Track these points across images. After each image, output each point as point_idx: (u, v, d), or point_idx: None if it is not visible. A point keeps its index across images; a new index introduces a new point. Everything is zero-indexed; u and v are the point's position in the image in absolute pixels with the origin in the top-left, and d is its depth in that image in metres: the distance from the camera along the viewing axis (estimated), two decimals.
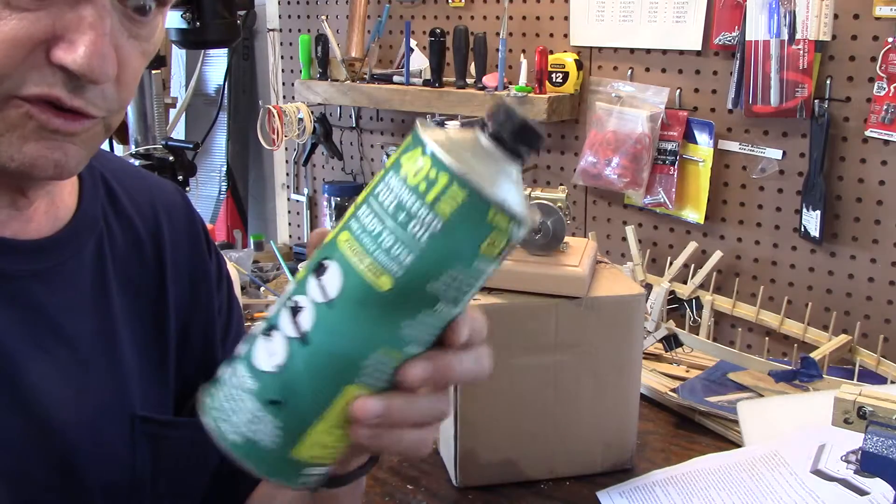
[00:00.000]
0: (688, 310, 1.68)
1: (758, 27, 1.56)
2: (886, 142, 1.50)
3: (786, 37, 1.54)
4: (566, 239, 1.13)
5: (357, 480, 0.63)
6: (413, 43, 2.05)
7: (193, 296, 0.74)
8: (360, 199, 0.48)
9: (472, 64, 1.90)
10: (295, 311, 0.48)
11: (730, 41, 1.63)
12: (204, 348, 0.75)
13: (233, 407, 0.49)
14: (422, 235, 0.45)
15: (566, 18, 1.84)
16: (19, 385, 0.58)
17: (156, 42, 0.59)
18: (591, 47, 1.83)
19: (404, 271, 0.45)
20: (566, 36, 1.85)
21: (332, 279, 0.47)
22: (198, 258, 0.75)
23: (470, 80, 1.92)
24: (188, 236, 0.75)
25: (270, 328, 0.49)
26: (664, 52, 1.73)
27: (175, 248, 0.73)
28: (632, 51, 1.77)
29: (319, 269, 0.47)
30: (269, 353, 0.48)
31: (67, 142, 0.54)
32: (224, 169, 2.62)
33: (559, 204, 1.11)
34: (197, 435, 0.71)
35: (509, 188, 0.46)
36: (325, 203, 2.36)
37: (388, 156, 2.24)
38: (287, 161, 2.50)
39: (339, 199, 2.35)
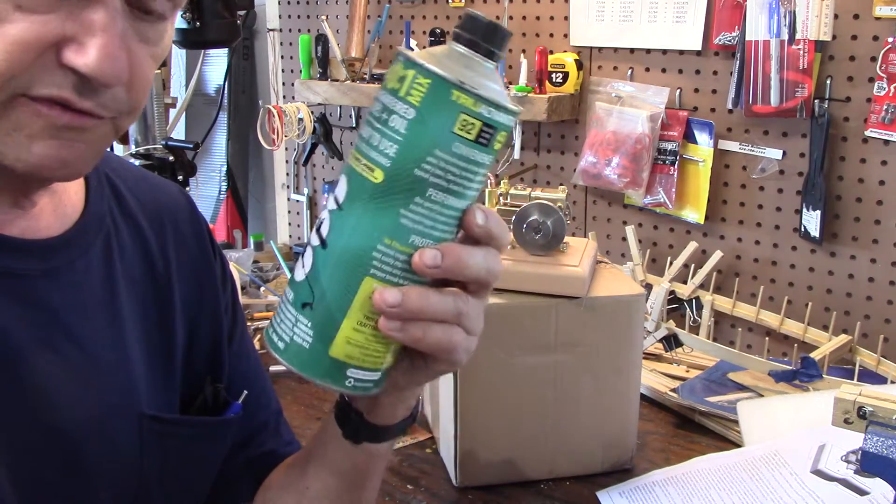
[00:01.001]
0: (688, 310, 1.68)
1: (758, 27, 1.56)
2: (886, 142, 1.50)
3: (786, 37, 1.54)
4: (566, 239, 1.13)
5: (393, 440, 0.68)
6: (413, 43, 2.05)
7: (200, 295, 0.74)
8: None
9: None
10: (319, 224, 0.55)
11: (730, 41, 1.63)
12: (211, 347, 0.75)
13: (280, 319, 0.56)
14: (400, 126, 0.51)
15: (566, 18, 1.84)
16: (28, 384, 0.58)
17: (165, 46, 0.59)
18: (591, 47, 1.83)
19: (391, 161, 0.51)
20: (566, 36, 1.85)
21: (341, 187, 0.54)
22: (203, 258, 0.76)
23: None
24: (193, 237, 0.75)
25: (305, 246, 0.56)
26: (664, 52, 1.73)
27: (180, 248, 0.73)
28: (632, 51, 1.77)
29: (334, 185, 0.55)
30: (302, 265, 0.55)
31: (76, 140, 0.54)
32: (224, 169, 2.62)
33: (559, 204, 1.11)
34: (202, 434, 0.72)
35: (476, 77, 0.51)
36: (325, 203, 2.36)
37: None
38: (287, 161, 2.50)
39: None
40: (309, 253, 0.55)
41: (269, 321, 0.59)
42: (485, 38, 0.52)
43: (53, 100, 0.52)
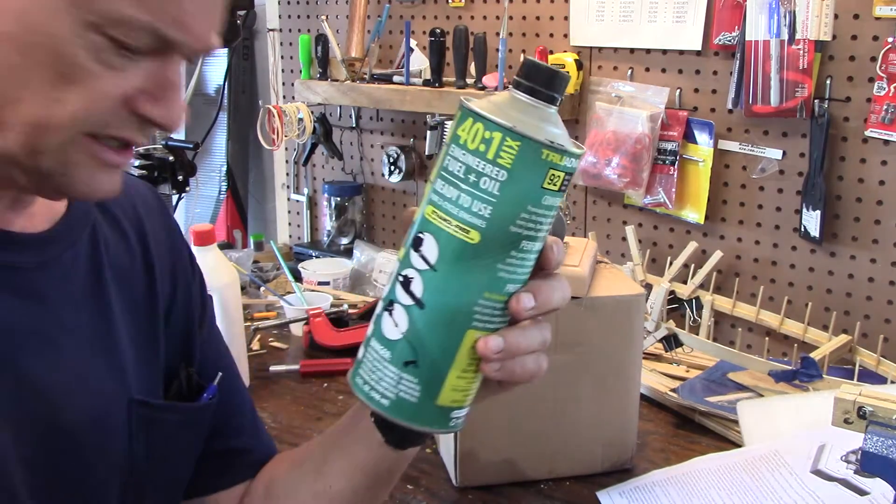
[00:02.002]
0: (688, 310, 1.68)
1: (758, 27, 1.56)
2: (886, 142, 1.50)
3: (786, 37, 1.54)
4: (566, 239, 1.13)
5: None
6: (413, 43, 2.05)
7: (174, 286, 0.77)
8: (432, 177, 0.56)
9: (472, 64, 1.90)
10: (406, 283, 0.56)
11: (730, 41, 1.63)
12: (184, 334, 0.78)
13: (377, 377, 0.57)
14: (493, 188, 0.53)
15: (566, 18, 1.84)
16: (26, 375, 0.60)
17: None
18: (591, 47, 1.83)
19: (487, 222, 0.53)
20: (566, 36, 1.85)
21: (430, 247, 0.55)
22: (175, 250, 0.79)
23: (470, 80, 1.92)
24: (164, 230, 0.79)
25: (390, 303, 0.57)
26: (664, 52, 1.73)
27: (156, 241, 0.76)
28: (632, 51, 1.77)
29: (417, 243, 0.56)
30: (394, 323, 0.57)
31: (119, 172, 0.59)
32: (224, 169, 2.62)
33: (559, 204, 1.11)
34: (187, 419, 0.74)
35: (553, 128, 0.55)
36: (325, 203, 2.36)
37: (387, 155, 2.23)
38: (287, 161, 2.50)
39: (339, 198, 2.34)
40: (401, 313, 0.56)
41: (355, 375, 0.60)
42: (547, 85, 0.55)
43: (119, 140, 0.56)
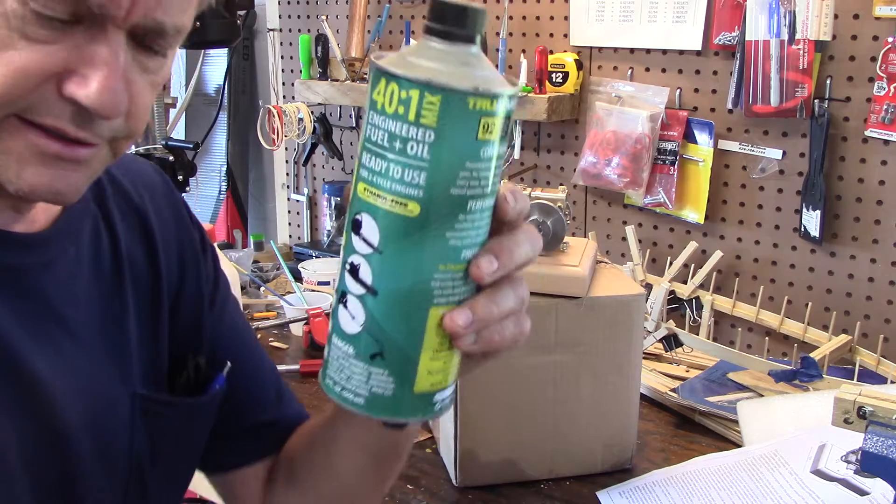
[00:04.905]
0: (688, 310, 1.68)
1: (758, 27, 1.56)
2: (886, 142, 1.50)
3: (786, 37, 1.54)
4: (566, 239, 1.13)
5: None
6: (413, 43, 2.05)
7: (181, 268, 0.75)
8: (359, 150, 0.50)
9: None
10: (353, 270, 0.51)
11: (730, 41, 1.63)
12: (193, 317, 0.76)
13: (345, 375, 0.53)
14: (422, 151, 0.47)
15: (566, 18, 1.84)
16: (27, 376, 0.59)
17: (166, 73, 0.59)
18: (591, 47, 1.83)
19: (424, 190, 0.48)
20: (566, 36, 1.85)
21: (370, 228, 0.50)
22: (183, 230, 0.76)
23: None
24: (170, 209, 0.76)
25: (342, 295, 0.52)
26: (664, 52, 1.73)
27: (161, 223, 0.73)
28: (632, 51, 1.77)
29: (356, 225, 0.50)
30: (350, 316, 0.52)
31: (69, 170, 0.54)
32: (224, 169, 2.62)
33: (559, 204, 1.11)
34: (191, 413, 0.73)
35: (476, 71, 0.48)
36: (325, 203, 2.36)
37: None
38: (287, 161, 2.50)
39: (339, 199, 2.34)
40: (354, 303, 0.52)
41: (324, 376, 0.55)
42: (459, 22, 0.48)
43: (48, 128, 0.52)
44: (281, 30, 2.40)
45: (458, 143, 0.47)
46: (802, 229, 1.61)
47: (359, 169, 0.50)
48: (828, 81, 1.53)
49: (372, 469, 0.75)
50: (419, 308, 0.51)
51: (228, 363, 0.76)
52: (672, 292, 1.66)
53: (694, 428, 1.25)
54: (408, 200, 0.48)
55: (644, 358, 1.36)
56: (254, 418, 0.80)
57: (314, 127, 2.21)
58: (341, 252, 0.53)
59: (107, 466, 0.65)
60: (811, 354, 1.36)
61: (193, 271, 0.76)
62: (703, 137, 1.70)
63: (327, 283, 1.79)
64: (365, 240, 0.50)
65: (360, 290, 0.51)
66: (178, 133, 2.66)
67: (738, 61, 1.61)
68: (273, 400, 0.82)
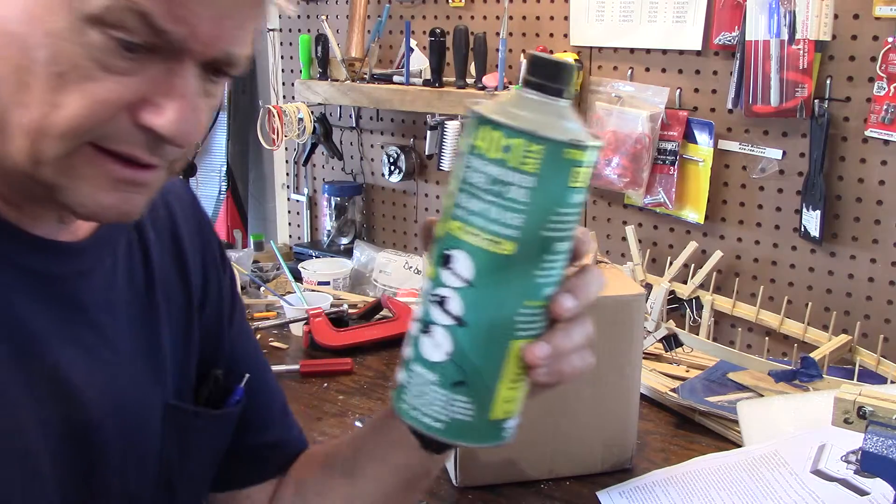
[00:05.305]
0: (688, 310, 1.68)
1: (758, 27, 1.56)
2: (886, 142, 1.50)
3: (786, 37, 1.54)
4: None
5: None
6: (413, 43, 2.05)
7: (205, 282, 0.77)
8: (452, 189, 0.54)
9: (472, 64, 1.90)
10: (441, 302, 0.55)
11: (730, 41, 1.63)
12: (214, 330, 0.77)
13: (426, 401, 0.56)
14: (521, 196, 0.51)
15: (566, 18, 1.84)
16: (63, 382, 0.60)
17: (221, 95, 0.61)
18: (591, 47, 1.83)
19: (520, 231, 0.52)
20: (566, 36, 1.85)
21: (463, 263, 0.53)
22: (207, 245, 0.78)
23: (470, 80, 1.92)
24: (196, 224, 0.77)
25: (426, 325, 0.56)
26: (664, 52, 1.73)
27: (189, 235, 0.75)
28: (632, 51, 1.77)
29: (446, 260, 0.54)
30: (435, 345, 0.55)
31: (137, 192, 0.56)
32: (224, 169, 2.62)
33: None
34: (215, 424, 0.74)
35: (569, 124, 0.53)
36: (325, 203, 2.36)
37: (387, 155, 2.23)
38: (287, 161, 2.50)
39: (338, 198, 2.34)
40: (442, 333, 0.55)
41: (400, 401, 0.58)
42: (556, 78, 0.53)
43: (122, 155, 0.54)
44: (281, 30, 2.40)
45: (553, 190, 0.52)
46: (802, 229, 1.61)
47: (453, 209, 0.54)
48: (828, 81, 1.53)
49: (401, 492, 0.76)
50: (503, 340, 0.55)
51: (247, 374, 0.78)
52: (672, 292, 1.66)
53: (694, 428, 1.25)
54: (503, 240, 0.52)
55: (644, 358, 1.36)
56: (262, 436, 0.81)
57: (314, 127, 2.21)
58: (424, 284, 0.56)
59: (138, 470, 0.67)
60: (811, 354, 1.35)
61: (216, 286, 0.78)
62: (703, 137, 1.70)
63: (327, 283, 1.79)
64: (457, 274, 0.54)
65: (449, 322, 0.54)
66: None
67: (738, 61, 1.61)
68: (279, 422, 0.84)
